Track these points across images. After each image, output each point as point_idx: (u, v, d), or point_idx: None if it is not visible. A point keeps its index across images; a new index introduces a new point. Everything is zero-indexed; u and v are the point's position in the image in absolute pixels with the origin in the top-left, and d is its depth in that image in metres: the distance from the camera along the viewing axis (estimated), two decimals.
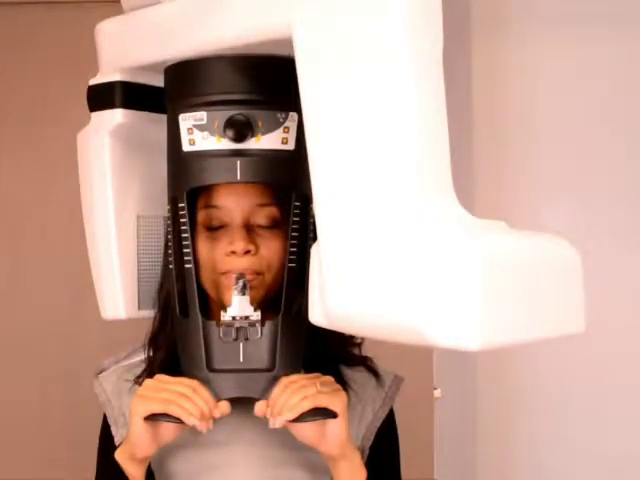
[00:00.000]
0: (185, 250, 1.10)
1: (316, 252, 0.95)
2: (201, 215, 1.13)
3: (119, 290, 1.20)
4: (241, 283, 1.09)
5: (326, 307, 0.92)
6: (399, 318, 0.84)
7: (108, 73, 1.18)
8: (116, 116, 1.16)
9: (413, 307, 0.82)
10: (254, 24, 0.98)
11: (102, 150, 1.17)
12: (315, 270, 0.95)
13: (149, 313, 1.22)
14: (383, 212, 0.85)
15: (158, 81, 1.15)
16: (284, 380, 1.07)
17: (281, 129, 1.08)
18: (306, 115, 0.91)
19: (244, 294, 1.09)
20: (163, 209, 1.17)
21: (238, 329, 1.08)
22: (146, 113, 1.18)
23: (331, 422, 1.06)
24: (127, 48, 1.16)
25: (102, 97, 1.18)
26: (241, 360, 1.09)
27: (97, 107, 1.18)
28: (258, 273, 1.12)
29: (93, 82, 1.19)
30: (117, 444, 1.16)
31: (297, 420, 1.04)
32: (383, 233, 0.85)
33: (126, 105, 1.16)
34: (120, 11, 1.17)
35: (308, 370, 1.13)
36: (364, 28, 0.85)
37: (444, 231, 0.82)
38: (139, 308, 1.22)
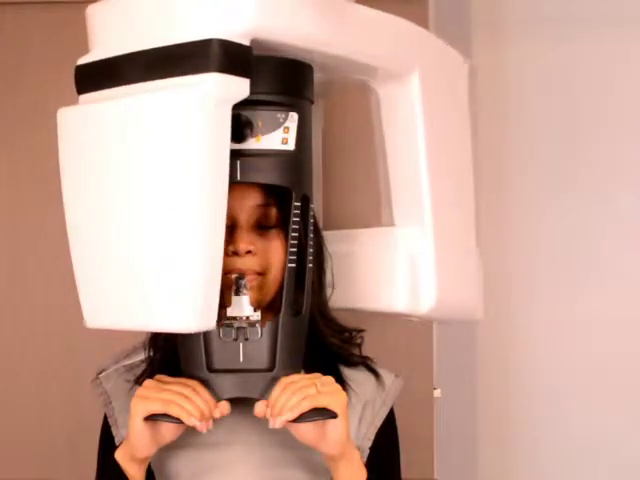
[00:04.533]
0: None
1: (407, 244, 1.19)
2: None
3: (208, 294, 1.02)
4: (241, 283, 1.09)
5: (427, 296, 1.20)
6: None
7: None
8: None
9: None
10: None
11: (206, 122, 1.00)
12: (403, 261, 1.20)
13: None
14: None
15: None
16: (284, 380, 1.07)
17: (281, 129, 1.08)
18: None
19: (244, 294, 1.09)
20: None
21: (238, 329, 1.08)
22: None
23: (331, 422, 1.06)
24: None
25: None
26: (241, 360, 1.09)
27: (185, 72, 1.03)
28: (259, 273, 1.12)
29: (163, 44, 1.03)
30: (117, 444, 1.16)
31: (297, 420, 1.04)
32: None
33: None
34: None
35: (308, 370, 1.13)
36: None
37: None
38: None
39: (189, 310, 1.00)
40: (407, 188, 1.24)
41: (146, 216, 1.01)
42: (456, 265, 1.27)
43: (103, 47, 1.08)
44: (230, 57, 0.98)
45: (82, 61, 1.10)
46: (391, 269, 1.22)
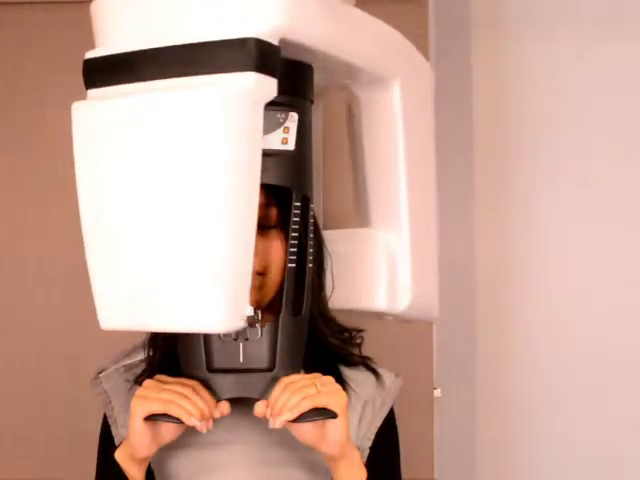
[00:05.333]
0: None
1: (386, 246, 1.23)
2: None
3: (238, 294, 1.01)
4: None
5: (403, 296, 1.25)
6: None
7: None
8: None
9: None
10: None
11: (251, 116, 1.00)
12: (383, 262, 1.24)
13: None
14: None
15: None
16: (284, 380, 1.07)
17: (281, 129, 1.08)
18: None
19: None
20: None
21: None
22: None
23: (331, 422, 1.06)
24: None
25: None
26: (241, 360, 1.09)
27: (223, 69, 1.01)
28: (259, 273, 1.12)
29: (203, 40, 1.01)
30: (117, 444, 1.16)
31: (297, 420, 1.04)
32: None
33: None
34: None
35: (308, 370, 1.13)
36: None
37: None
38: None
39: (220, 310, 0.98)
40: (386, 191, 1.27)
41: (178, 215, 0.99)
42: (427, 266, 1.32)
43: (115, 41, 1.06)
44: (264, 57, 0.98)
45: (91, 55, 1.07)
46: (372, 270, 1.26)
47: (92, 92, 1.07)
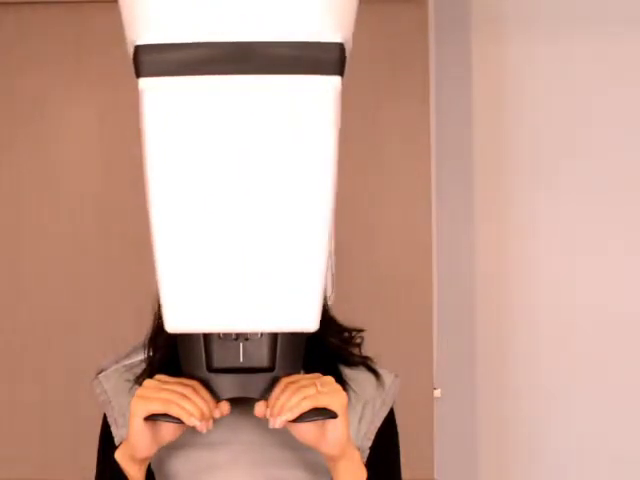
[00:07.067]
0: None
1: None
2: None
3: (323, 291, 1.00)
4: None
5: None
6: None
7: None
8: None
9: None
10: None
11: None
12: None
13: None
14: None
15: None
16: (284, 380, 1.07)
17: None
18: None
19: None
20: None
21: None
22: None
23: (331, 422, 1.06)
24: None
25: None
26: (241, 360, 1.08)
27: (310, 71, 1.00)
28: None
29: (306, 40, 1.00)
30: (117, 444, 1.16)
31: (297, 420, 1.04)
32: None
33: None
34: (118, 11, 1.16)
35: (308, 370, 1.13)
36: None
37: None
38: None
39: (312, 308, 0.98)
40: None
41: (276, 212, 0.97)
42: None
43: (176, 30, 0.99)
44: (344, 61, 0.99)
45: (149, 41, 0.99)
46: None
47: (146, 81, 1.00)
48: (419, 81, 2.10)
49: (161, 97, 0.99)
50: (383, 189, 2.11)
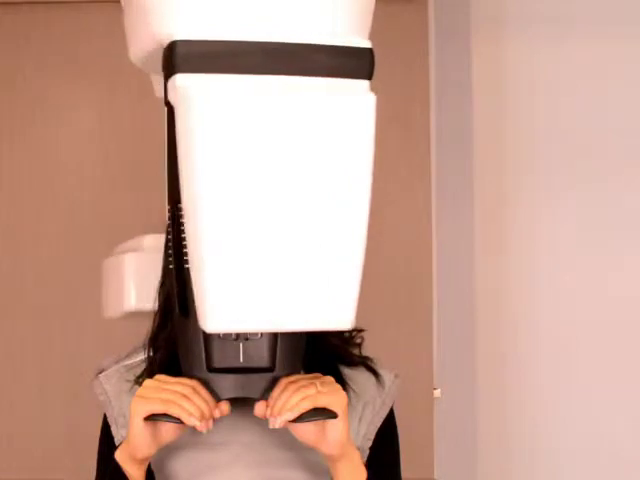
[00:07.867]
0: (185, 250, 1.10)
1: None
2: None
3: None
4: None
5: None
6: None
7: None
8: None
9: None
10: None
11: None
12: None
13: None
14: None
15: None
16: (284, 380, 1.07)
17: None
18: None
19: None
20: None
21: None
22: None
23: (331, 422, 1.06)
24: None
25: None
26: (241, 360, 1.09)
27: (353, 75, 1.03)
28: None
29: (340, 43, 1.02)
30: (117, 444, 1.16)
31: (297, 420, 1.04)
32: None
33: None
34: (119, 11, 1.16)
35: (308, 370, 1.13)
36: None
37: None
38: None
39: (349, 307, 0.99)
40: None
41: (319, 214, 0.98)
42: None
43: (212, 27, 0.99)
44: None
45: (184, 37, 0.98)
46: None
47: (182, 77, 0.98)
48: (419, 81, 2.10)
49: (207, 95, 0.97)
50: (383, 189, 2.10)
